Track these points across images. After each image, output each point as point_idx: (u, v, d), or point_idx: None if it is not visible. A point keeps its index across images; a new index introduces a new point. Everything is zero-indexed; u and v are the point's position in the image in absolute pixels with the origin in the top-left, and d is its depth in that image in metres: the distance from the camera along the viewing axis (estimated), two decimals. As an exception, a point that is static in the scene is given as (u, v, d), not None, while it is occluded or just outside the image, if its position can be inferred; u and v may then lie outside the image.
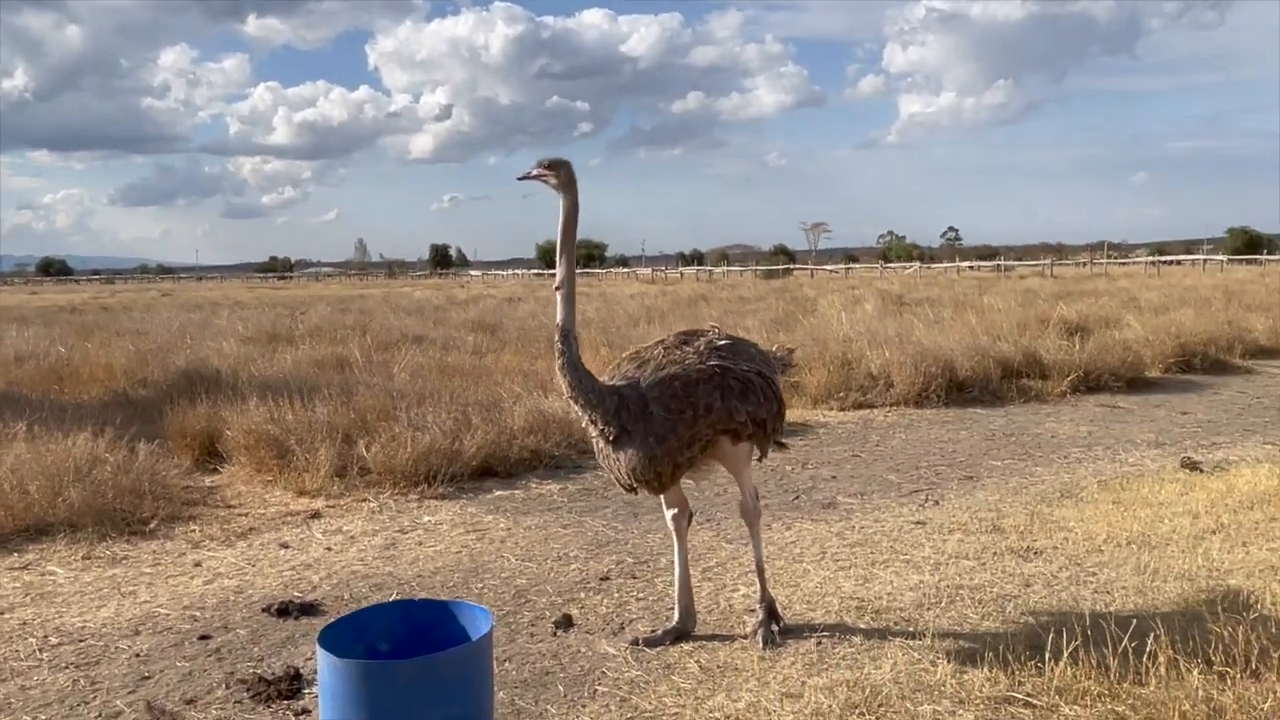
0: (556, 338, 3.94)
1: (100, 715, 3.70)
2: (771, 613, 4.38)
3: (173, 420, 8.31)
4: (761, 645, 4.19)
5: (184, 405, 8.55)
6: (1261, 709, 3.33)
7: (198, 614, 4.76)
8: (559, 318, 3.97)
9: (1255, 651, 3.66)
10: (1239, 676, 3.52)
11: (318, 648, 3.12)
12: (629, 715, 3.64)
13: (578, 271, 4.14)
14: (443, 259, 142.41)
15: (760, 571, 4.44)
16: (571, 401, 4.01)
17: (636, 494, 4.31)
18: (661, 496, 4.41)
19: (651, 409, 3.97)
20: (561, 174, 4.02)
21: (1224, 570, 4.98)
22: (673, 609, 4.49)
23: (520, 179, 3.99)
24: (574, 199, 4.06)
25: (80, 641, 4.42)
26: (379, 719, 3.02)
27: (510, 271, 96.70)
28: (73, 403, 9.95)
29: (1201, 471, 7.27)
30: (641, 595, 4.94)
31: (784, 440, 4.80)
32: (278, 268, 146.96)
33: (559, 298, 3.99)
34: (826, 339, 12.38)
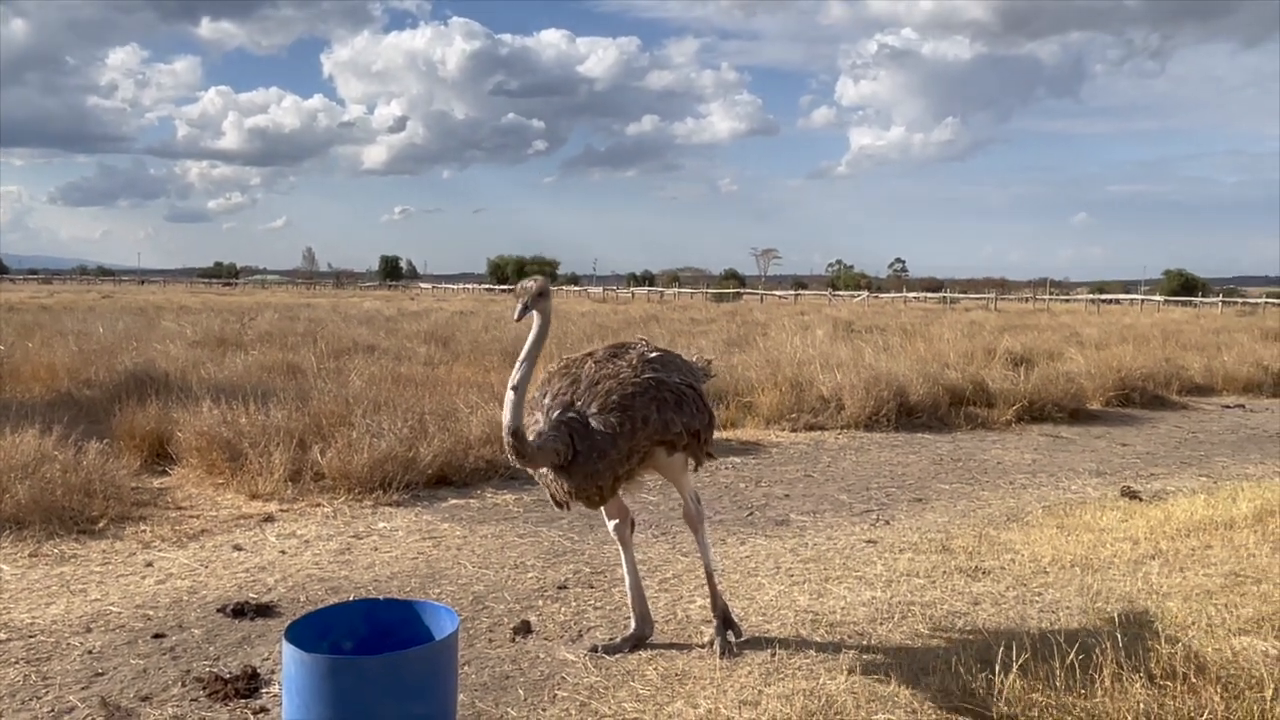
0: (507, 438, 3.78)
1: (53, 711, 3.65)
2: (726, 620, 4.43)
3: (121, 421, 8.19)
4: (719, 654, 4.24)
5: (132, 406, 8.43)
6: (1199, 722, 3.47)
7: (150, 613, 4.70)
8: (507, 419, 3.77)
9: (1193, 668, 3.80)
10: (1178, 690, 3.65)
11: (284, 642, 3.12)
12: None
13: None
14: (393, 270, 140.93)
15: (710, 577, 4.48)
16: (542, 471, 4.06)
17: (570, 509, 4.32)
18: (602, 509, 4.41)
19: (592, 425, 3.96)
20: (546, 299, 3.95)
21: (1163, 593, 5.15)
22: (629, 618, 4.53)
23: (519, 320, 3.90)
24: (549, 316, 3.99)
25: (30, 638, 4.34)
26: (343, 715, 3.03)
27: (461, 286, 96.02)
28: (15, 401, 9.73)
29: (1141, 500, 7.50)
30: (599, 604, 4.97)
31: (712, 451, 4.65)
32: (223, 273, 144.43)
33: (511, 396, 3.76)
34: (780, 361, 12.53)
